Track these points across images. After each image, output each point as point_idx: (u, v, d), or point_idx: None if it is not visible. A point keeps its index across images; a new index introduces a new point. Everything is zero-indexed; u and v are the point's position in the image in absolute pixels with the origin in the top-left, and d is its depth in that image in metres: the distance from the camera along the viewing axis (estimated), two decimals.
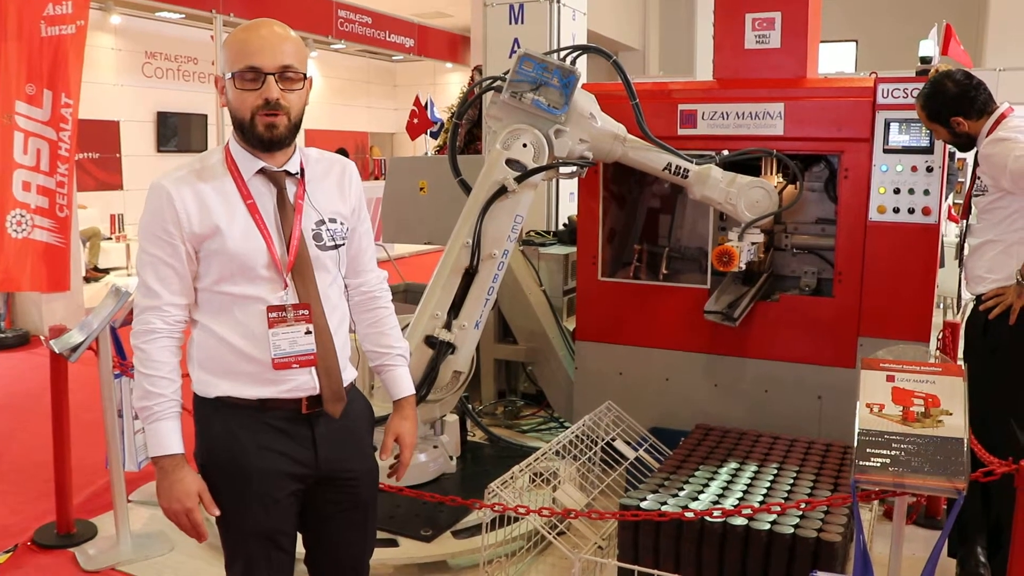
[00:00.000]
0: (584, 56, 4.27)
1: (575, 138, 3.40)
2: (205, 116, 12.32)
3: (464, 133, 5.15)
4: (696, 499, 2.75)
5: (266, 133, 1.81)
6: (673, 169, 3.46)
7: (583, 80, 3.56)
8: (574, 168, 3.52)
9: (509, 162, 3.31)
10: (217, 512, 1.87)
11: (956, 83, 2.97)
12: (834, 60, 14.04)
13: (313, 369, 1.88)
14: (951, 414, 2.13)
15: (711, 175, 3.43)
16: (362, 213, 2.05)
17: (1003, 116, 2.94)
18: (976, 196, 3.02)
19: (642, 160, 3.49)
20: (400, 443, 2.10)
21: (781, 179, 3.79)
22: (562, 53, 3.52)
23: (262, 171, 1.87)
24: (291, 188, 1.90)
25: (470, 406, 4.15)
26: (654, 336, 3.79)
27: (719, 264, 3.33)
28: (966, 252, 3.11)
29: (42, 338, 3.45)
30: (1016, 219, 2.88)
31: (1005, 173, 2.81)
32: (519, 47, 5.24)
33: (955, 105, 2.96)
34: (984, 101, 2.95)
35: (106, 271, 9.92)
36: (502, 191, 3.32)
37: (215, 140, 11.57)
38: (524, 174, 3.29)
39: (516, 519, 3.04)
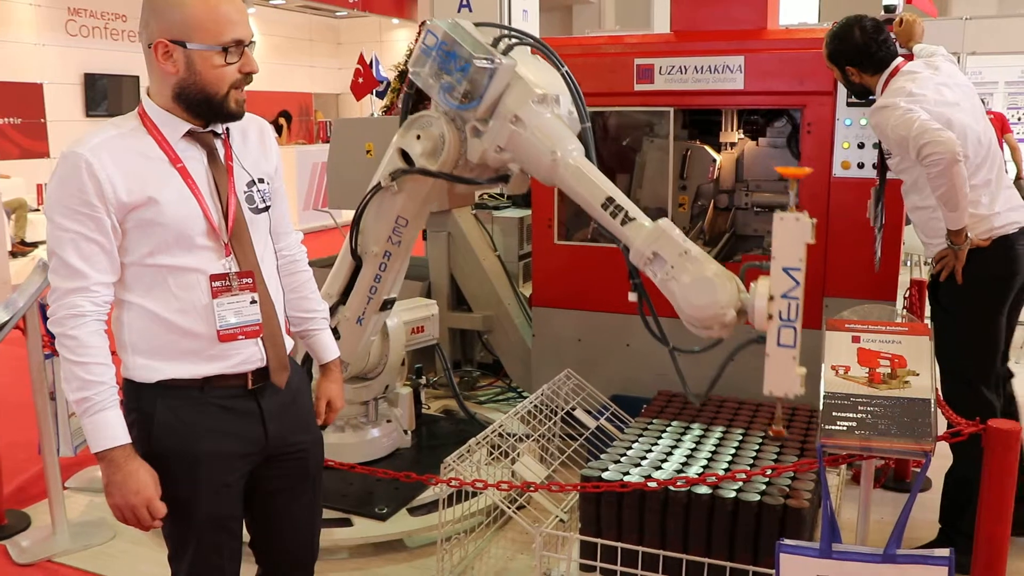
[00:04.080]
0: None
1: (492, 144, 2.69)
2: (137, 78, 11.82)
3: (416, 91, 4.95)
4: (659, 468, 2.68)
5: (239, 109, 1.76)
6: (612, 210, 2.53)
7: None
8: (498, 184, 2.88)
9: (404, 153, 2.91)
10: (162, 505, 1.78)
11: (863, 32, 2.89)
12: (796, 10, 13.96)
13: (259, 340, 1.81)
14: (918, 374, 2.11)
15: (671, 232, 2.44)
16: (280, 173, 1.98)
17: (894, 72, 2.87)
18: (887, 158, 2.97)
19: (576, 188, 2.61)
20: (331, 406, 2.12)
21: (743, 135, 3.71)
22: (490, 35, 2.81)
23: (189, 133, 1.76)
24: (219, 149, 1.81)
25: (424, 378, 4.03)
26: (613, 301, 3.69)
27: None
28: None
29: None
30: (927, 183, 2.79)
31: (889, 143, 2.78)
32: (467, 2, 5.04)
33: (852, 55, 2.91)
34: (883, 58, 2.88)
35: (33, 245, 9.50)
36: (379, 186, 2.98)
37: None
38: (396, 171, 2.91)
39: (474, 494, 3.00)
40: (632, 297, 2.63)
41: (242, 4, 1.75)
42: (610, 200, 2.54)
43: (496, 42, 2.70)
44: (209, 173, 1.77)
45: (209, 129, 1.78)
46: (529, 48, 2.77)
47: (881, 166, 3.07)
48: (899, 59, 2.90)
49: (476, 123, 2.71)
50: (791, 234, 2.24)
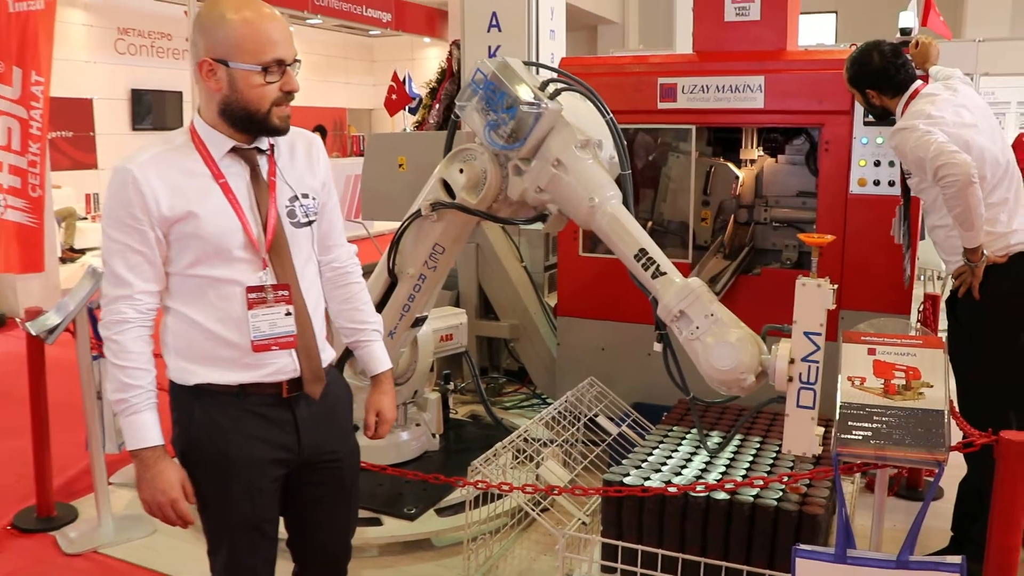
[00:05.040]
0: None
1: (533, 184, 2.74)
2: (180, 93, 12.16)
3: (443, 108, 5.08)
4: (679, 473, 2.74)
5: (283, 124, 1.81)
6: (645, 262, 2.60)
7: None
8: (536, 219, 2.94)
9: (446, 184, 2.95)
10: (193, 501, 1.85)
11: (882, 56, 2.94)
12: (814, 32, 13.97)
13: (293, 351, 1.85)
14: (932, 386, 2.12)
15: (700, 293, 2.49)
16: (330, 187, 2.01)
17: (914, 94, 2.91)
18: (908, 178, 3.01)
19: (611, 236, 2.68)
20: (380, 418, 2.10)
21: (763, 152, 3.77)
22: (539, 77, 2.85)
23: (233, 149, 1.82)
24: (263, 165, 1.86)
25: (452, 384, 4.12)
26: (636, 311, 3.75)
27: None
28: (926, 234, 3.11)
29: (18, 320, 3.40)
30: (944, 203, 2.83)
31: (908, 164, 2.82)
32: (497, 21, 5.14)
33: (873, 78, 2.95)
34: (902, 81, 2.93)
35: (82, 251, 9.75)
36: (419, 212, 3.02)
37: (191, 118, 11.40)
38: (436, 203, 2.95)
39: (500, 496, 3.05)
40: (657, 347, 2.69)
41: (284, 24, 1.79)
42: (643, 252, 2.59)
43: (544, 85, 2.76)
44: (251, 188, 1.82)
45: (253, 146, 1.84)
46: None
47: (904, 185, 3.09)
48: (918, 82, 2.94)
49: (519, 162, 2.75)
50: (812, 300, 2.25)
